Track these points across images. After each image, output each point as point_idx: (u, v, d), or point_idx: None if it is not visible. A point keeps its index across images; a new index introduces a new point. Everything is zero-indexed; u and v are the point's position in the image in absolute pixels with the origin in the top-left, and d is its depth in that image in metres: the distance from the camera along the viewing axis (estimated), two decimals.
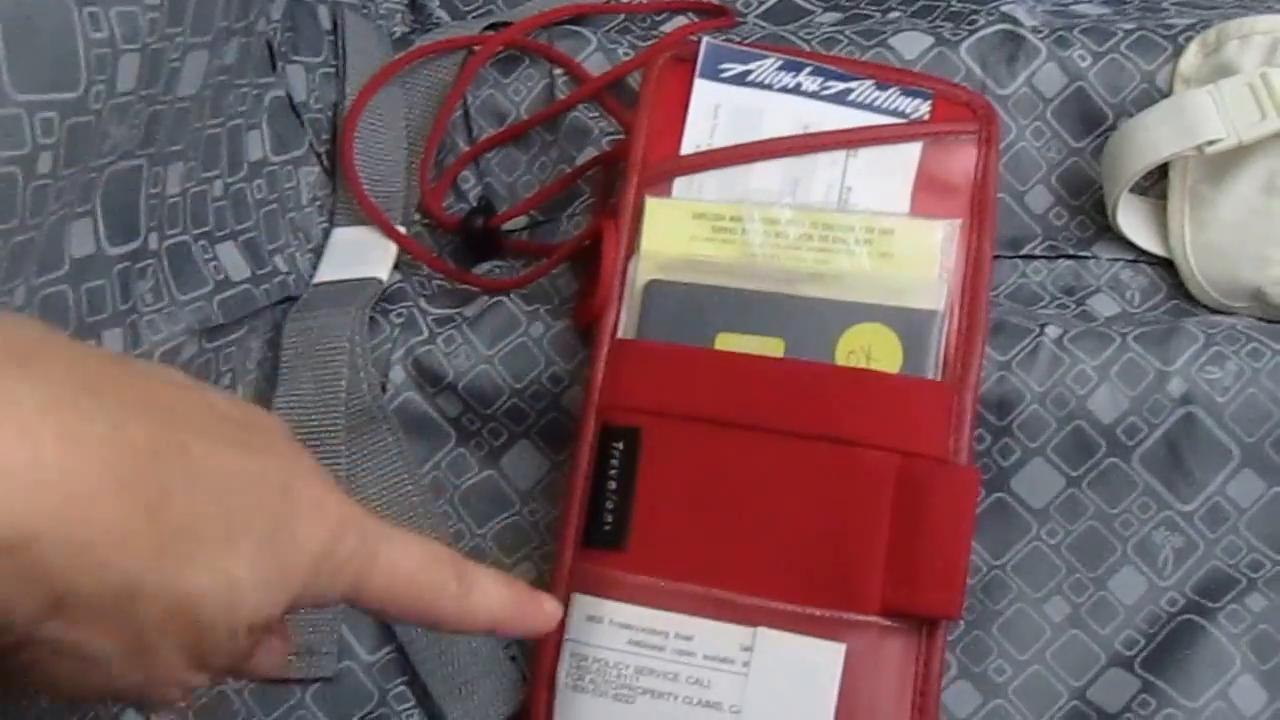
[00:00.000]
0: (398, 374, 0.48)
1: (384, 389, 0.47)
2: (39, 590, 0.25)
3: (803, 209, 0.44)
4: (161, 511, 0.27)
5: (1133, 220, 0.48)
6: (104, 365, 0.29)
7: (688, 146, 0.46)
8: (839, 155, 0.45)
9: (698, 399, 0.43)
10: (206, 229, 0.46)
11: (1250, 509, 0.44)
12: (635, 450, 0.43)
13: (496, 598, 0.36)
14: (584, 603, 0.42)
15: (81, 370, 0.27)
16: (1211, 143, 0.45)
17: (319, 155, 0.52)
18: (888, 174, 0.45)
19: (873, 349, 0.42)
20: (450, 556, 0.35)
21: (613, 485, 0.43)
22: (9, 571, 0.25)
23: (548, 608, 0.38)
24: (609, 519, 0.43)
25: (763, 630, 0.41)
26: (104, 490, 0.26)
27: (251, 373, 0.48)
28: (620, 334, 0.45)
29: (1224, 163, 0.47)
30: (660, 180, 0.46)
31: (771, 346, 0.43)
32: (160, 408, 0.28)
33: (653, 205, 0.45)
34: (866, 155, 0.45)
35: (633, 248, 0.45)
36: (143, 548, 0.26)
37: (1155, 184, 0.49)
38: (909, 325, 0.42)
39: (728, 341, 0.43)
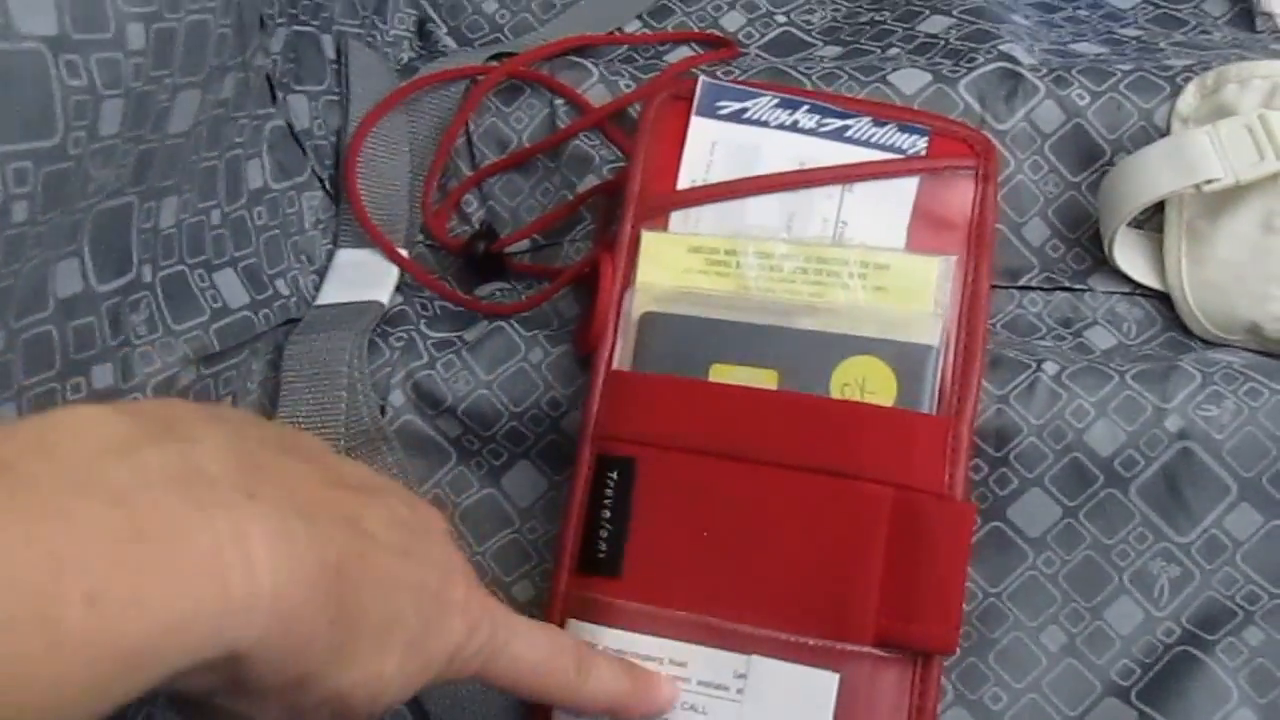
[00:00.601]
0: (397, 397, 0.48)
1: (383, 411, 0.47)
2: (227, 680, 0.28)
3: (798, 243, 0.45)
4: (339, 620, 0.29)
5: (1129, 254, 0.49)
6: (310, 479, 0.31)
7: (684, 182, 0.46)
8: (835, 190, 0.46)
9: (692, 430, 0.43)
10: (204, 258, 0.46)
11: (1247, 542, 0.44)
12: (630, 480, 0.43)
13: (613, 685, 0.40)
14: (579, 629, 0.42)
15: (288, 484, 0.30)
16: (1209, 181, 0.45)
17: (322, 180, 0.53)
18: (884, 209, 0.45)
19: (867, 382, 0.43)
20: (572, 646, 0.39)
21: (607, 514, 0.43)
22: (211, 672, 0.27)
23: (665, 691, 0.41)
24: (604, 547, 0.43)
25: (757, 658, 0.41)
26: (301, 609, 0.28)
27: (253, 393, 0.48)
28: (616, 365, 0.45)
29: (1221, 200, 0.47)
30: (657, 214, 0.46)
31: (766, 378, 0.43)
32: (349, 520, 0.31)
33: (649, 239, 0.46)
34: (863, 190, 0.45)
35: (629, 280, 0.45)
36: (320, 652, 0.29)
37: (1151, 218, 0.49)
38: (904, 359, 0.43)
39: (722, 373, 0.44)
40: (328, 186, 0.53)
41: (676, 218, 0.46)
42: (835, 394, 0.43)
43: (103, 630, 0.24)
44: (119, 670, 0.24)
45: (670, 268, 0.45)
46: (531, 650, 0.37)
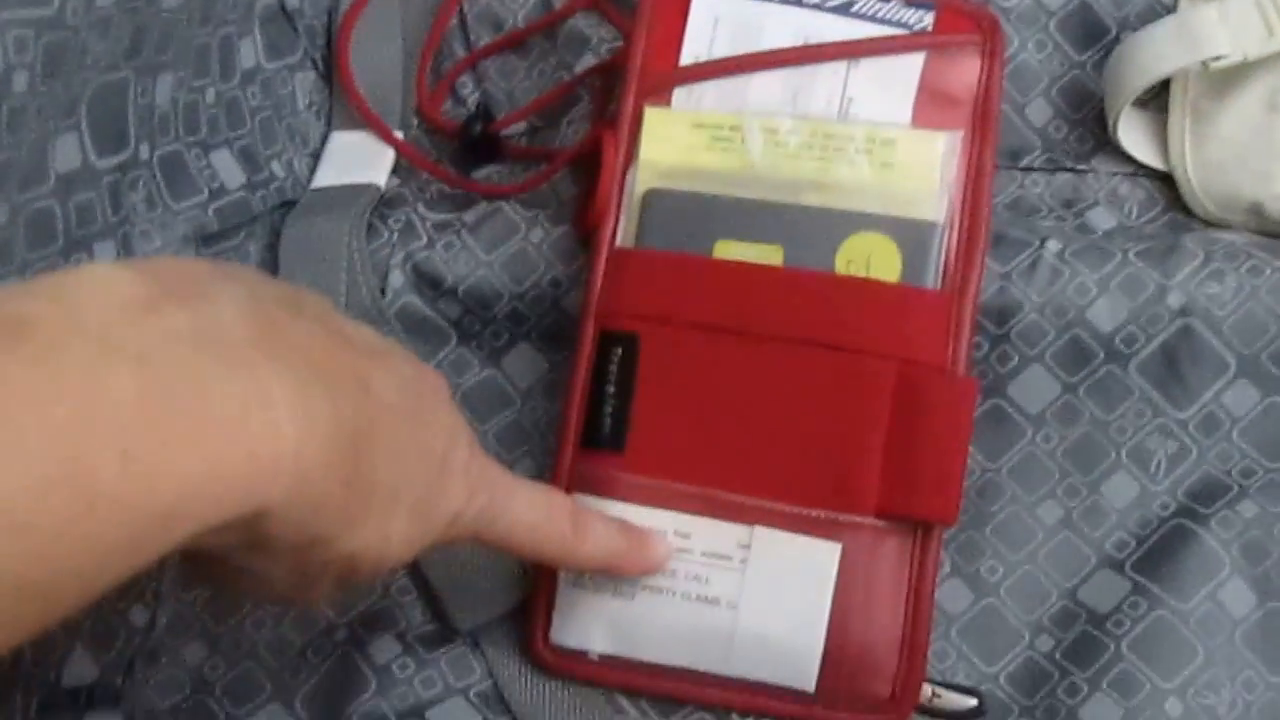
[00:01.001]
0: (396, 278, 0.48)
1: (383, 293, 0.47)
2: (246, 538, 0.28)
3: (803, 119, 0.44)
4: (353, 482, 0.29)
5: (1133, 134, 0.48)
6: (323, 341, 0.31)
7: (687, 58, 0.46)
8: (840, 66, 0.45)
9: (696, 306, 0.43)
10: (199, 137, 0.46)
11: (1245, 418, 0.44)
12: (634, 355, 0.43)
13: (608, 544, 0.40)
14: (584, 503, 0.43)
15: (305, 348, 0.29)
16: (1216, 59, 0.45)
17: (314, 61, 0.52)
18: (889, 85, 0.45)
19: (872, 258, 0.43)
20: (569, 507, 0.39)
21: (611, 389, 0.43)
22: (232, 530, 0.27)
23: (658, 550, 0.41)
24: (608, 422, 0.43)
25: (760, 529, 0.42)
26: (319, 469, 0.28)
27: None
28: (619, 242, 0.45)
29: (1226, 78, 0.47)
30: (659, 91, 0.46)
31: (770, 255, 0.43)
32: (360, 384, 0.31)
33: (652, 115, 0.45)
34: (868, 66, 0.45)
35: (631, 157, 0.45)
36: (334, 512, 0.29)
37: (1155, 98, 0.49)
38: (909, 235, 0.43)
39: (727, 249, 0.43)
40: (320, 68, 0.52)
41: (679, 94, 0.46)
42: (840, 270, 0.43)
43: (136, 489, 0.24)
44: (152, 528, 0.25)
45: (673, 144, 0.45)
46: (529, 512, 0.38)
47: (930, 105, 0.44)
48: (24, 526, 0.23)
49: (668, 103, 0.46)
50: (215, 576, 0.32)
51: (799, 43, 0.45)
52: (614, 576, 0.42)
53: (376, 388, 0.32)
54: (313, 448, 0.28)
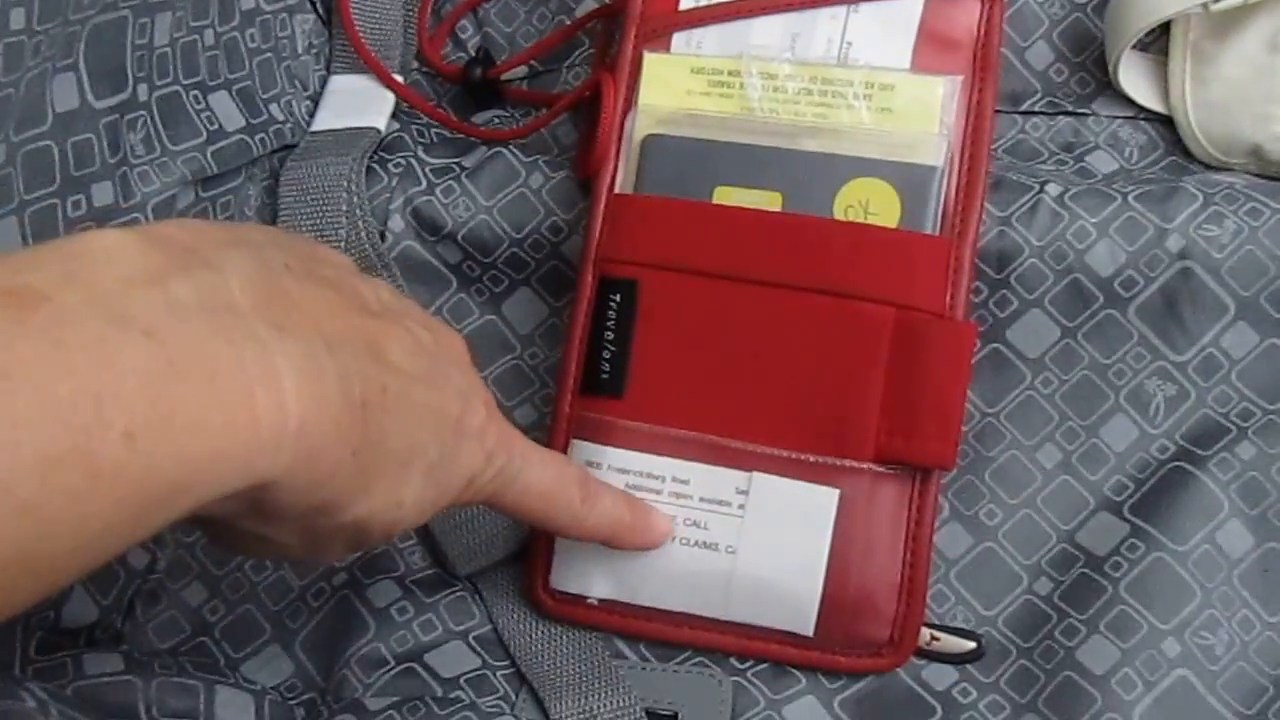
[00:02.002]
0: (396, 223, 0.48)
1: (383, 237, 0.47)
2: (251, 507, 0.28)
3: (802, 63, 0.44)
4: (361, 451, 0.29)
5: (1133, 77, 0.48)
6: (334, 306, 0.30)
7: (686, 3, 0.46)
8: (840, 10, 0.45)
9: (695, 252, 0.43)
10: (198, 79, 0.46)
11: (1243, 360, 0.44)
12: (633, 302, 0.43)
13: (613, 515, 0.41)
14: (583, 448, 0.43)
15: (314, 315, 0.29)
16: (1217, 0, 0.45)
17: (314, 2, 0.52)
18: (889, 29, 0.44)
19: (871, 203, 0.43)
20: (580, 476, 0.40)
21: (610, 336, 0.43)
22: (235, 500, 0.27)
23: (661, 526, 0.42)
24: (607, 368, 0.43)
25: (758, 474, 0.42)
26: (326, 440, 0.28)
27: (250, 219, 0.48)
28: (619, 188, 0.45)
29: (1228, 20, 0.46)
30: (659, 35, 0.45)
31: (770, 200, 0.43)
32: (373, 350, 0.31)
33: (651, 60, 0.45)
34: (868, 10, 0.45)
35: (631, 102, 0.45)
36: (342, 482, 0.29)
37: (1156, 40, 0.48)
38: (908, 180, 0.42)
39: (726, 195, 0.43)
40: (320, 10, 0.52)
41: (679, 39, 0.45)
42: (839, 215, 0.43)
43: (140, 466, 0.24)
44: (154, 503, 0.25)
45: (672, 90, 0.45)
46: (541, 479, 0.38)
47: (930, 49, 0.44)
48: (27, 505, 0.23)
49: (667, 48, 0.45)
50: (228, 540, 0.32)
51: None
52: (614, 548, 0.42)
53: (389, 352, 0.31)
54: (318, 420, 0.27)
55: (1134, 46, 0.47)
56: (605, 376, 0.43)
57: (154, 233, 0.27)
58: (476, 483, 0.35)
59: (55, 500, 0.23)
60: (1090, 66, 0.49)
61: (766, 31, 0.45)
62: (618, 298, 0.43)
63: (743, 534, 0.42)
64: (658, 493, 0.42)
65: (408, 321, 0.33)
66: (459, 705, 0.42)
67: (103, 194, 0.42)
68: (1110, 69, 0.48)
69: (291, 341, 0.27)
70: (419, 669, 0.43)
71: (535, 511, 0.39)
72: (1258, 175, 0.47)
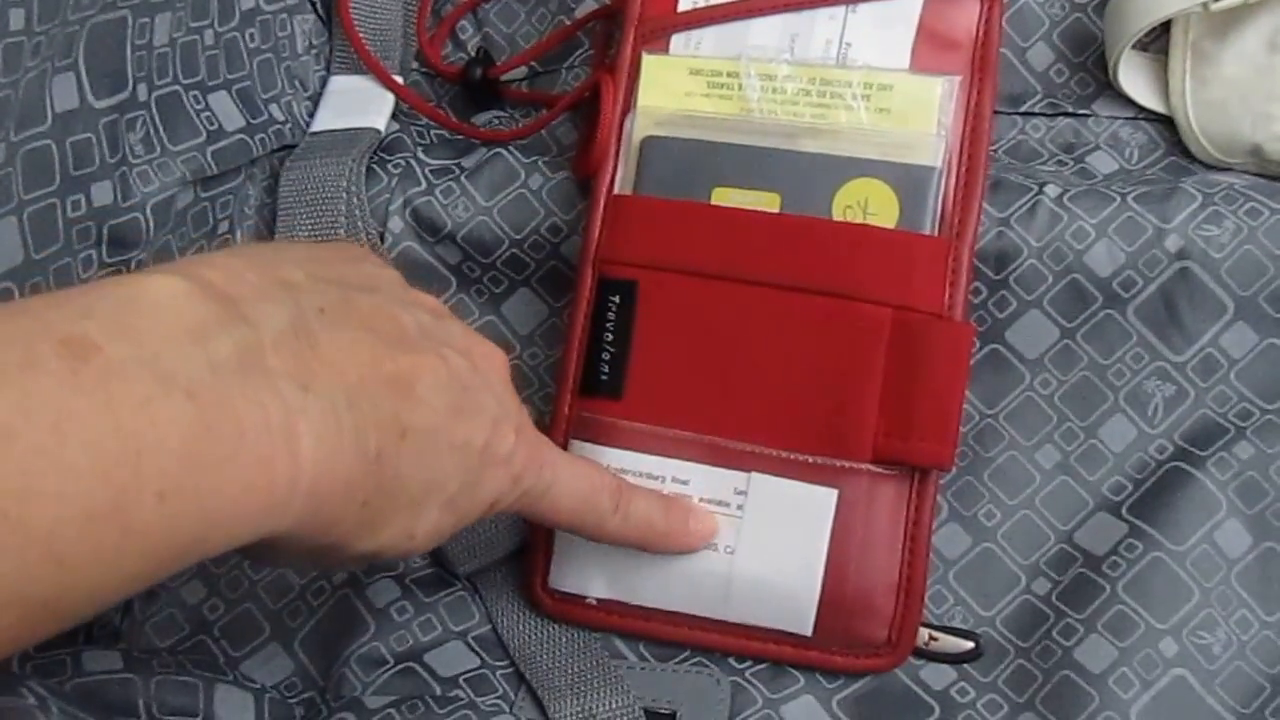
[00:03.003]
0: (396, 224, 0.48)
1: (382, 238, 0.47)
2: (259, 548, 0.29)
3: (801, 64, 0.44)
4: (371, 502, 0.30)
5: (1133, 77, 0.48)
6: (365, 352, 0.31)
7: (685, 3, 0.46)
8: (838, 11, 0.45)
9: (694, 252, 0.43)
10: (198, 79, 0.46)
11: (1242, 360, 0.44)
12: (632, 303, 0.43)
13: (647, 521, 0.41)
14: (582, 449, 0.43)
15: (341, 366, 0.30)
16: None
17: (314, 3, 0.52)
18: (888, 29, 0.45)
19: (869, 203, 0.43)
20: (611, 485, 0.40)
21: (609, 336, 0.43)
22: (251, 543, 0.28)
23: (697, 531, 0.42)
24: (606, 369, 0.43)
25: (757, 475, 0.42)
26: (335, 497, 0.29)
27: (250, 218, 0.48)
28: (618, 189, 0.45)
29: (1228, 19, 0.46)
30: (658, 36, 0.46)
31: (768, 201, 0.43)
32: (400, 389, 0.31)
33: (649, 62, 0.45)
34: (866, 10, 0.45)
35: (630, 104, 0.45)
36: (349, 527, 0.30)
37: (1156, 40, 0.48)
38: (907, 180, 0.42)
39: (724, 196, 0.43)
40: (320, 10, 0.52)
41: (677, 40, 0.46)
42: (837, 216, 0.43)
43: (166, 525, 0.25)
44: (173, 557, 0.26)
45: (671, 91, 0.45)
46: (571, 492, 0.38)
47: (929, 49, 0.44)
48: (62, 557, 0.24)
49: (666, 49, 0.45)
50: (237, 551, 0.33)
51: None
52: (651, 551, 0.42)
53: (418, 388, 0.32)
54: (330, 481, 0.29)
55: (1134, 46, 0.47)
56: (604, 377, 0.43)
57: (201, 278, 0.28)
58: (500, 504, 0.36)
59: (87, 553, 0.24)
60: (1090, 67, 0.49)
61: (765, 32, 0.45)
62: (617, 298, 0.43)
63: (741, 534, 0.42)
64: None
65: (445, 349, 0.34)
66: (458, 704, 0.42)
67: (102, 194, 0.42)
68: (1110, 69, 0.48)
69: (314, 399, 0.28)
70: (418, 668, 0.43)
71: (564, 521, 0.39)
72: (1258, 175, 0.46)
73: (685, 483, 0.42)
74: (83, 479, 0.24)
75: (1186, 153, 0.48)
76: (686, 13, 0.46)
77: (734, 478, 0.42)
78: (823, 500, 0.41)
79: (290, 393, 0.28)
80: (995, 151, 0.48)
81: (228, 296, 0.29)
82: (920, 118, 0.43)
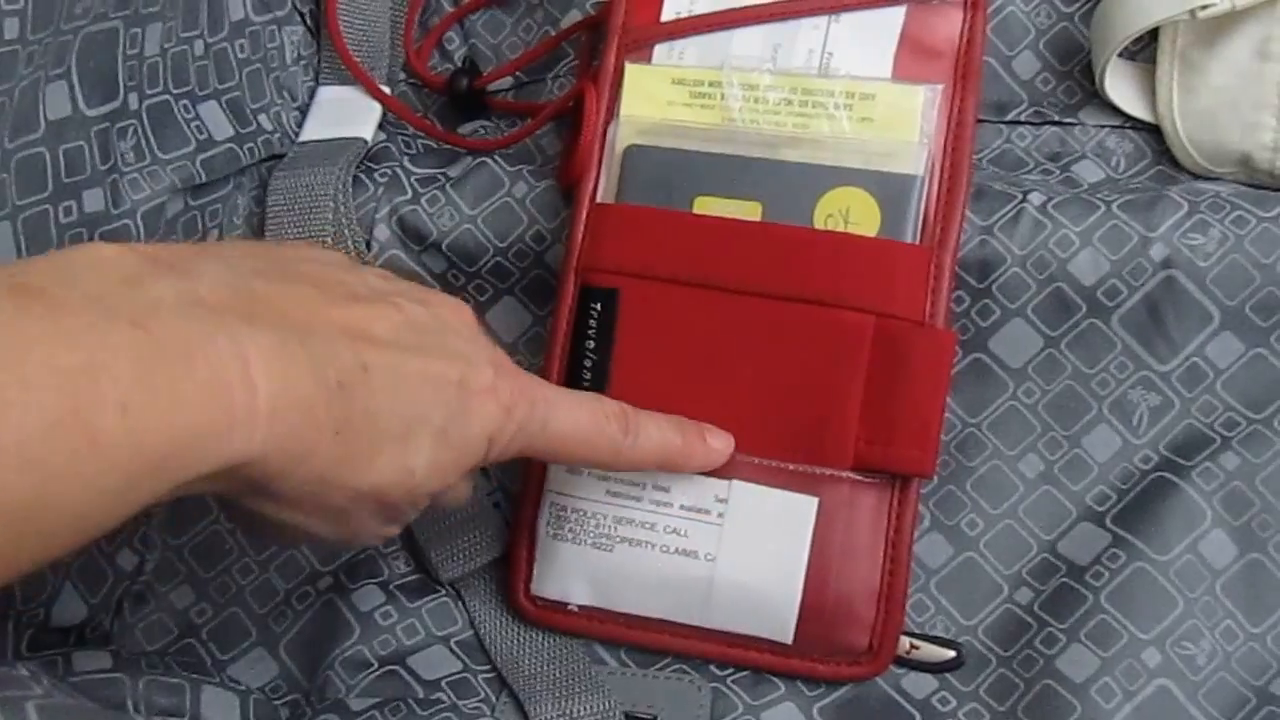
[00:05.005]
0: (382, 232, 0.48)
1: (369, 246, 0.48)
2: (246, 486, 0.30)
3: (783, 74, 0.44)
4: (344, 431, 0.31)
5: (1120, 86, 0.48)
6: (306, 300, 0.32)
7: (668, 14, 0.46)
8: (821, 20, 0.45)
9: (676, 261, 0.43)
10: (188, 88, 0.47)
11: (1228, 370, 0.44)
12: (613, 311, 0.43)
13: (662, 442, 0.40)
14: None
15: (284, 309, 0.31)
16: (1204, 7, 0.45)
17: (302, 15, 0.52)
18: (870, 39, 0.45)
19: (851, 212, 0.43)
20: (618, 411, 0.39)
21: (591, 344, 0.43)
22: (222, 478, 0.29)
23: (714, 444, 0.41)
24: (588, 376, 0.43)
25: (738, 483, 0.42)
26: (299, 421, 0.30)
27: (239, 228, 0.49)
28: (600, 198, 0.45)
29: (1215, 27, 0.46)
30: (641, 46, 0.46)
31: (749, 210, 0.43)
32: (353, 332, 0.32)
33: (632, 71, 0.45)
34: (849, 20, 0.45)
35: (613, 113, 0.45)
36: (327, 460, 0.31)
37: (1143, 49, 0.48)
38: (888, 189, 0.43)
39: (706, 205, 0.44)
40: (308, 22, 0.53)
41: (660, 50, 0.46)
42: (819, 225, 0.43)
43: (133, 435, 0.26)
44: (144, 472, 0.27)
45: (654, 100, 0.45)
46: (574, 424, 0.38)
47: (911, 58, 0.44)
48: (31, 463, 0.25)
49: (649, 59, 0.46)
50: (260, 528, 0.34)
51: None
52: (674, 471, 0.42)
53: (374, 331, 0.33)
54: (289, 403, 0.29)
55: (1121, 55, 0.47)
56: (586, 385, 0.43)
57: (135, 247, 0.30)
58: (501, 439, 0.35)
59: (58, 460, 0.25)
60: (1077, 76, 0.49)
61: (748, 42, 0.45)
62: (598, 307, 0.44)
63: (722, 542, 0.42)
64: (638, 500, 0.43)
65: (399, 299, 0.35)
66: (440, 707, 0.42)
67: (93, 201, 0.42)
68: (1097, 77, 0.48)
69: (260, 332, 0.29)
70: (401, 671, 0.43)
71: (576, 455, 0.39)
72: (1246, 184, 0.46)
73: (666, 489, 0.42)
74: (45, 391, 0.25)
75: (1174, 162, 0.47)
76: (669, 23, 0.46)
77: (715, 485, 0.42)
78: (803, 508, 0.42)
79: (234, 322, 0.29)
80: (980, 160, 0.48)
81: (161, 258, 0.30)
82: (902, 126, 0.43)
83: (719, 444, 0.42)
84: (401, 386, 0.33)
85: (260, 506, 0.32)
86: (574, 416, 0.38)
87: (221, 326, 0.29)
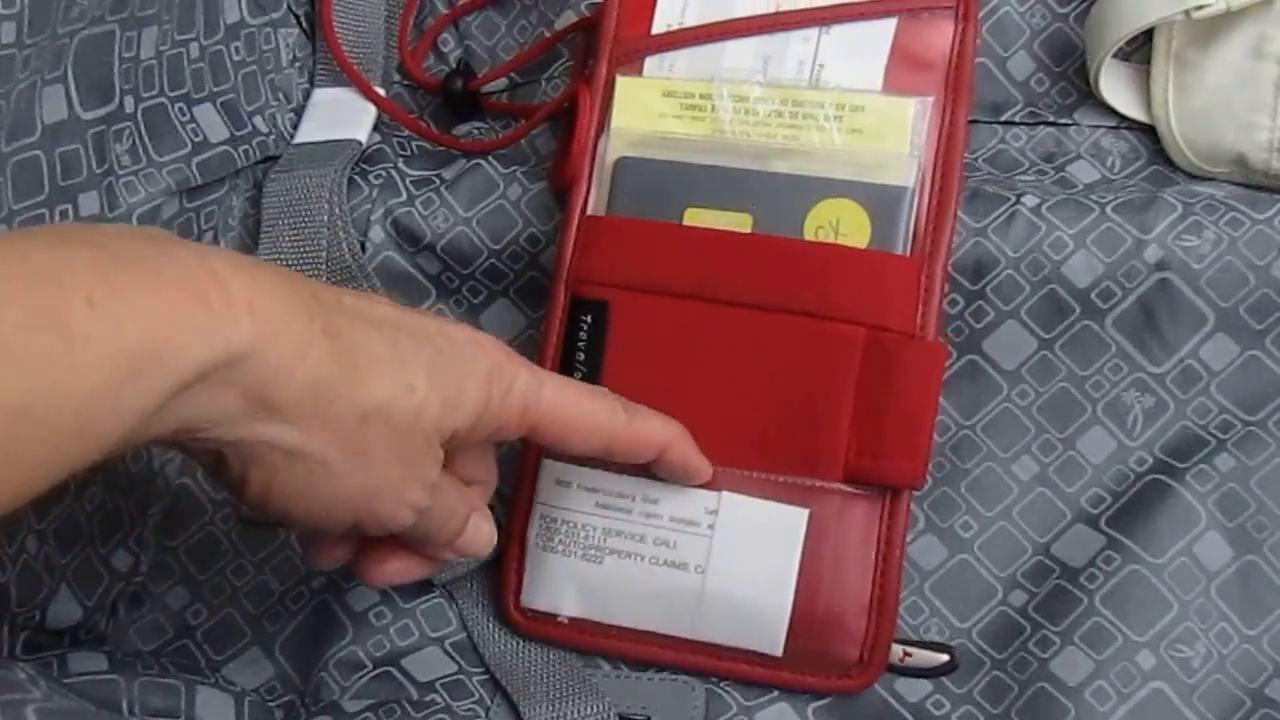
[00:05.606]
0: (377, 234, 0.48)
1: (363, 248, 0.48)
2: (244, 396, 0.30)
3: (773, 85, 0.44)
4: (335, 336, 0.31)
5: (1115, 86, 0.48)
6: (272, 276, 0.32)
7: (659, 25, 0.46)
8: (812, 32, 0.45)
9: (666, 273, 0.43)
10: (183, 91, 0.47)
11: (1222, 372, 0.44)
12: (604, 322, 0.43)
13: (662, 425, 0.40)
14: (553, 467, 0.44)
15: (252, 265, 0.31)
16: (1199, 7, 0.44)
17: (298, 17, 0.52)
18: (861, 51, 0.45)
19: (841, 224, 0.43)
20: (619, 398, 0.39)
21: (581, 356, 0.44)
22: (220, 383, 0.29)
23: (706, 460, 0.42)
24: None
25: (728, 494, 0.42)
26: (281, 314, 0.30)
27: (234, 229, 0.49)
28: (591, 210, 0.45)
29: (1210, 27, 0.46)
30: (632, 59, 0.46)
31: (740, 222, 0.43)
32: (320, 299, 0.32)
33: (623, 84, 0.45)
34: (840, 32, 0.45)
35: (604, 125, 0.45)
36: (324, 357, 0.31)
37: (1138, 49, 0.48)
38: (878, 201, 0.42)
39: (697, 217, 0.44)
40: (304, 24, 0.53)
41: (651, 62, 0.46)
42: (809, 236, 0.43)
43: (105, 327, 0.27)
44: (128, 369, 0.27)
45: (644, 112, 0.45)
46: (576, 397, 0.38)
47: (902, 70, 0.44)
48: (11, 352, 0.26)
49: (640, 71, 0.46)
50: (277, 485, 0.33)
51: (771, 10, 0.45)
52: (675, 467, 0.41)
53: (344, 297, 0.34)
54: (266, 300, 0.30)
55: (1116, 55, 0.47)
56: None
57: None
58: (499, 382, 0.35)
59: (39, 356, 0.26)
60: (1072, 76, 0.49)
61: (739, 54, 0.45)
62: (589, 319, 0.44)
63: (712, 553, 0.42)
64: (628, 512, 0.43)
65: (373, 296, 0.36)
66: (434, 709, 0.42)
67: (89, 203, 0.43)
68: (1091, 78, 0.47)
69: (231, 257, 0.30)
70: (395, 673, 0.44)
71: (582, 427, 0.38)
72: (1241, 184, 0.46)
73: (655, 501, 0.42)
74: (13, 289, 0.26)
75: (1169, 162, 0.47)
76: (660, 35, 0.46)
77: (705, 497, 0.42)
78: (794, 520, 0.42)
79: (206, 251, 0.30)
80: (975, 160, 0.48)
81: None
82: (893, 138, 0.43)
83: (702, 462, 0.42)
84: (381, 322, 0.33)
85: (270, 433, 0.31)
86: (576, 393, 0.38)
87: (183, 246, 0.29)
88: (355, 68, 0.52)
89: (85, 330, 0.26)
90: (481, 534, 0.39)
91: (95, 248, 0.28)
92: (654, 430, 0.40)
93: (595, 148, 0.45)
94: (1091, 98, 0.48)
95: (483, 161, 0.49)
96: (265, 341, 0.29)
